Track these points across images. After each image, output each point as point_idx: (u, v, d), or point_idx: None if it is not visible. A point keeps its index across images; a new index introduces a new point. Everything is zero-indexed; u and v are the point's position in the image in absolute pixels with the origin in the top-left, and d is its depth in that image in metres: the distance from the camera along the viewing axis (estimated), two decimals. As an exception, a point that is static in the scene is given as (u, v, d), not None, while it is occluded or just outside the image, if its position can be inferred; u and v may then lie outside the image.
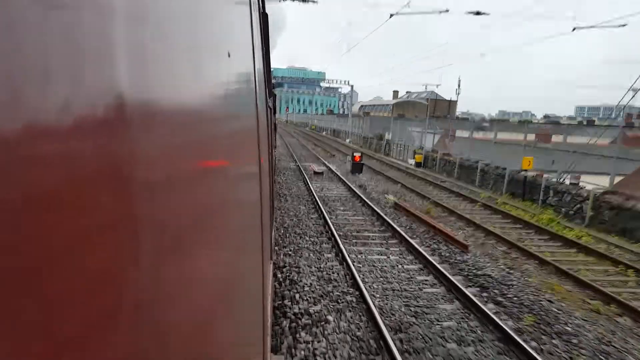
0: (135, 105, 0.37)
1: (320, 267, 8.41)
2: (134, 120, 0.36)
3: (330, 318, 6.28)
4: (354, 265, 8.38)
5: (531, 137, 23.41)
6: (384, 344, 5.56)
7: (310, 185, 17.14)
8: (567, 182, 14.92)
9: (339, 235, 10.29)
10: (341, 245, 9.41)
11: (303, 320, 6.19)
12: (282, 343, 5.50)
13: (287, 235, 10.45)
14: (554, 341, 6.01)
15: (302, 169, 22.11)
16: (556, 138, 30.79)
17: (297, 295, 7.01)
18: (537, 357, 5.28)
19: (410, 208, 13.22)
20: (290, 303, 6.73)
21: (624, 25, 17.24)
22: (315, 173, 20.97)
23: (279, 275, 7.83)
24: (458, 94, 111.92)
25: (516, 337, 5.73)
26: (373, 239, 10.49)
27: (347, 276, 7.99)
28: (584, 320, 6.71)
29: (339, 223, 11.65)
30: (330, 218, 11.94)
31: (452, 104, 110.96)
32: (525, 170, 16.81)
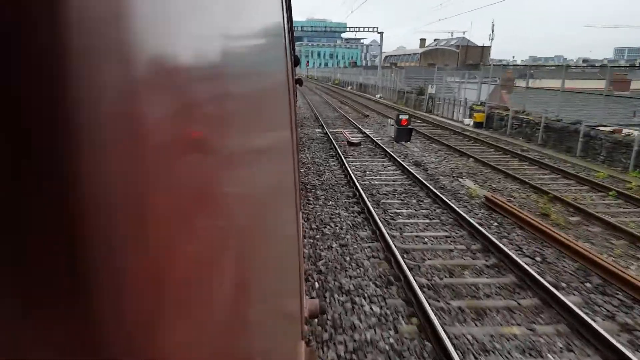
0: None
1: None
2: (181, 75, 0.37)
3: None
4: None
5: (595, 84, 17.72)
6: None
7: (346, 164, 12.05)
8: None
9: (436, 311, 5.28)
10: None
11: None
12: None
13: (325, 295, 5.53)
14: None
15: (331, 138, 16.94)
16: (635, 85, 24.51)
17: None
18: None
19: (520, 211, 8.05)
20: None
21: None
22: (350, 144, 15.80)
23: None
24: (492, 39, 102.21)
25: None
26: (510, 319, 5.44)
27: None
28: None
29: (414, 257, 6.60)
30: (395, 243, 6.89)
31: (485, 50, 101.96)
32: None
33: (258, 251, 0.80)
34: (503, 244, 6.56)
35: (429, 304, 4.94)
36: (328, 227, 7.70)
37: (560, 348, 4.40)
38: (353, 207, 8.85)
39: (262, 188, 0.88)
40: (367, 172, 11.71)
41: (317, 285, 5.56)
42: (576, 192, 10.00)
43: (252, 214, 0.75)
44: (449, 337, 4.33)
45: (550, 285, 5.34)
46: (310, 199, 9.26)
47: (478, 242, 6.97)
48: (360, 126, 20.58)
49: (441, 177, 11.23)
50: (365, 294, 5.36)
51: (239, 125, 0.65)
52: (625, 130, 13.45)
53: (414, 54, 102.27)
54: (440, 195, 9.12)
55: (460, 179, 10.97)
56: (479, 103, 22.54)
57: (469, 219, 7.63)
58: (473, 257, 6.52)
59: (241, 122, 0.67)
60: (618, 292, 5.44)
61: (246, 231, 0.69)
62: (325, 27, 45.70)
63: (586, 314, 4.79)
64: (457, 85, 29.45)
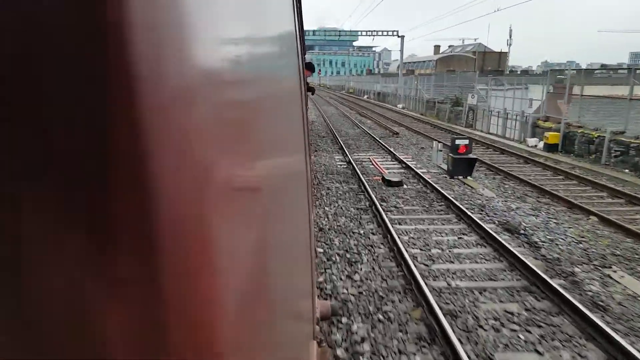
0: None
1: None
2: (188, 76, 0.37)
3: None
4: None
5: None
6: None
7: (392, 232, 7.02)
8: None
9: None
10: None
11: None
12: None
13: None
14: None
15: (358, 171, 11.94)
16: None
17: None
18: None
19: None
20: None
21: None
22: (387, 182, 10.79)
23: None
24: (510, 44, 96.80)
25: None
26: None
27: None
28: None
29: None
30: None
31: (502, 56, 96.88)
32: None
33: (272, 254, 0.81)
34: None
35: None
36: None
37: None
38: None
39: (275, 189, 0.90)
40: (433, 250, 6.66)
41: None
42: None
43: (266, 216, 0.76)
44: None
45: None
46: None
47: None
48: (391, 149, 15.57)
49: (575, 267, 6.14)
50: None
51: (253, 129, 0.66)
52: None
53: (429, 61, 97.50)
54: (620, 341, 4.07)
55: (611, 276, 5.88)
56: (544, 117, 17.37)
57: None
58: None
59: (254, 126, 0.67)
60: None
61: (261, 233, 0.70)
62: (340, 32, 40.97)
63: None
64: (493, 94, 24.41)
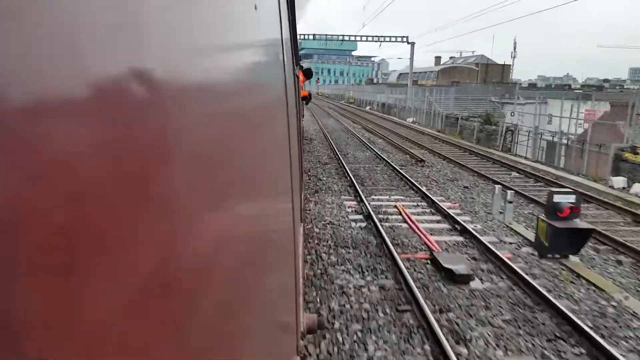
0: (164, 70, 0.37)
1: None
2: (163, 86, 0.36)
3: None
4: None
5: None
6: None
7: None
8: None
9: None
10: None
11: None
12: None
13: None
14: None
15: (385, 237, 7.21)
16: None
17: None
18: None
19: None
20: None
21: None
22: (444, 270, 6.08)
23: None
24: (514, 57, 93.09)
25: None
26: None
27: None
28: None
29: None
30: None
31: (506, 69, 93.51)
32: None
33: (253, 265, 0.78)
34: None
35: None
36: None
37: None
38: None
39: (259, 201, 0.88)
40: None
41: None
42: None
43: (249, 227, 0.74)
44: None
45: None
46: None
47: None
48: (423, 188, 10.90)
49: None
50: None
51: (230, 141, 0.64)
52: None
53: (430, 72, 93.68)
54: None
55: None
56: (630, 148, 12.78)
57: None
58: None
59: (231, 137, 0.64)
60: None
61: (242, 244, 0.68)
62: (343, 37, 36.73)
63: None
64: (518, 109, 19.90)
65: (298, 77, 5.20)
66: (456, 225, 8.16)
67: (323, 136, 22.67)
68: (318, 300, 5.37)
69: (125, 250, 0.28)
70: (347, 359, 4.21)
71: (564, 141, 16.35)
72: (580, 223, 6.70)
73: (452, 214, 8.66)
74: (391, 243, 6.99)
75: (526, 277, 5.82)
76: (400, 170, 13.16)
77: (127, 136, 0.29)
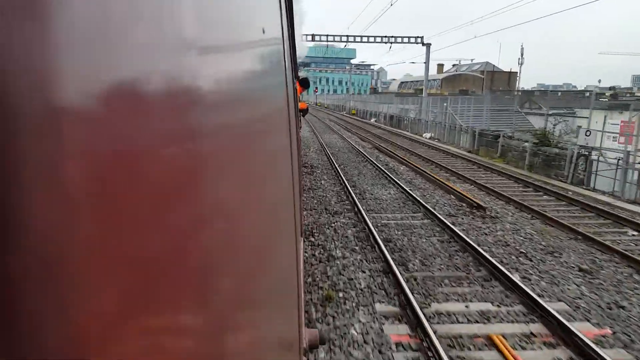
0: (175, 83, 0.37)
1: None
2: (169, 97, 0.36)
3: None
4: None
5: None
6: None
7: None
8: None
9: None
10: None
11: None
12: None
13: None
14: None
15: None
16: None
17: None
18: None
19: None
20: None
21: None
22: None
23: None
24: (521, 63, 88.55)
25: None
26: None
27: None
28: None
29: None
30: None
31: (512, 76, 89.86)
32: None
33: (253, 279, 0.78)
34: None
35: None
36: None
37: None
38: None
39: (261, 213, 0.88)
40: None
41: None
42: None
43: (250, 240, 0.74)
44: None
45: None
46: None
47: None
48: (517, 276, 5.94)
49: None
50: None
51: (233, 152, 0.63)
52: None
53: (434, 80, 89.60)
54: None
55: None
56: None
57: None
58: None
59: (234, 147, 0.64)
60: None
61: (242, 258, 0.68)
62: (348, 38, 31.93)
63: None
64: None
65: (296, 89, 4.75)
66: None
67: (327, 159, 17.77)
68: None
69: (114, 262, 0.27)
70: None
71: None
72: None
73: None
74: None
75: None
76: (455, 229, 8.20)
77: (125, 143, 0.28)
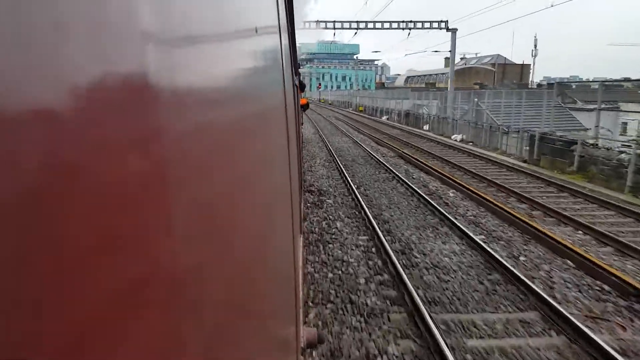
0: (163, 83, 0.37)
1: None
2: (161, 99, 0.36)
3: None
4: None
5: None
6: None
7: None
8: None
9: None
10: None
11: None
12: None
13: None
14: None
15: None
16: None
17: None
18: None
19: None
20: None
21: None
22: None
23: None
24: (535, 55, 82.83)
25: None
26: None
27: None
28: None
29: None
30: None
31: (525, 69, 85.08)
32: None
33: (251, 277, 0.77)
34: None
35: None
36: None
37: None
38: None
39: (258, 211, 0.87)
40: None
41: None
42: None
43: (247, 238, 0.73)
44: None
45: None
46: None
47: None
48: None
49: None
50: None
51: (230, 149, 0.63)
52: None
53: (442, 74, 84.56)
54: None
55: None
56: None
57: None
58: None
59: (231, 145, 0.64)
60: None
61: (240, 256, 0.67)
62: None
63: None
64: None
65: (297, 87, 4.92)
66: None
67: (339, 176, 13.01)
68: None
69: (112, 261, 0.27)
70: None
71: None
72: None
73: None
74: None
75: None
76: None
77: (122, 142, 0.28)
